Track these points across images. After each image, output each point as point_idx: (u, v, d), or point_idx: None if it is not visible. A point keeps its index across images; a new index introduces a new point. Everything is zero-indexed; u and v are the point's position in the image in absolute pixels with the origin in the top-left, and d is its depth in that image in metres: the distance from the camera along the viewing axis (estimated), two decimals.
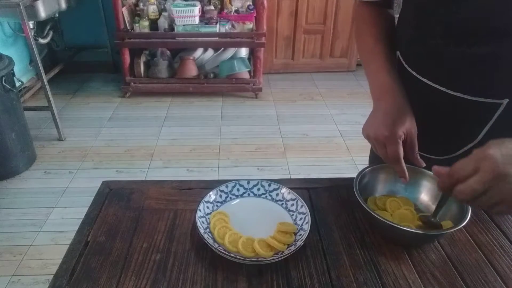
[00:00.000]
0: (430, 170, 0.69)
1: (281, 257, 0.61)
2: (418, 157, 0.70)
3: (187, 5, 2.90)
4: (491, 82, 0.68)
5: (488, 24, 0.63)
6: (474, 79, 0.69)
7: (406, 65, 0.80)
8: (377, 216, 0.64)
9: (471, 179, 0.51)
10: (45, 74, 2.54)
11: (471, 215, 0.63)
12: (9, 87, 2.08)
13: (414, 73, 0.77)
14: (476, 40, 0.65)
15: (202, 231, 0.64)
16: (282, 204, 0.74)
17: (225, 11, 3.08)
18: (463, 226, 0.62)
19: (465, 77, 0.69)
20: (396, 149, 0.66)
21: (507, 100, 0.67)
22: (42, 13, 2.58)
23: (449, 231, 0.64)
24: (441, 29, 0.68)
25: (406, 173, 0.68)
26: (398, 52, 0.83)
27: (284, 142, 2.65)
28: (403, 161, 0.67)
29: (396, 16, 0.85)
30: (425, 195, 0.73)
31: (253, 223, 0.70)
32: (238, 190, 0.76)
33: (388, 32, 0.82)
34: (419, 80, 0.76)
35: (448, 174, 0.55)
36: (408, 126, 0.68)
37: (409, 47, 0.79)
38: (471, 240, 0.68)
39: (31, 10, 2.46)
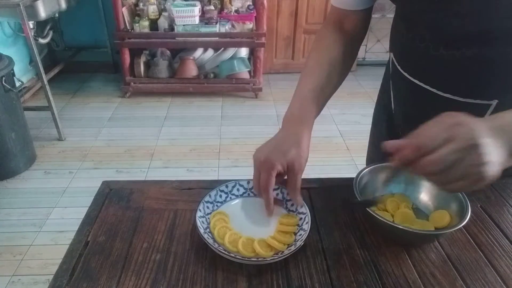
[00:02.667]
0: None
1: (281, 257, 0.61)
2: (299, 194, 0.67)
3: (187, 5, 2.90)
4: (480, 83, 0.68)
5: (474, 28, 0.63)
6: (463, 81, 0.69)
7: (398, 67, 0.81)
8: (377, 216, 0.64)
9: (443, 149, 0.46)
10: (45, 74, 2.54)
11: (471, 215, 0.63)
12: (9, 87, 2.08)
13: (406, 74, 0.78)
14: (463, 43, 0.65)
15: (202, 231, 0.64)
16: (282, 204, 0.74)
17: (225, 11, 3.08)
18: (463, 226, 0.62)
19: (454, 79, 0.70)
20: (266, 178, 0.65)
21: (496, 101, 0.68)
22: (42, 13, 2.58)
23: (449, 231, 0.64)
24: (429, 34, 0.69)
25: (271, 206, 0.67)
26: (391, 54, 0.85)
27: None
28: (271, 192, 0.66)
29: (391, 16, 0.85)
30: (425, 195, 0.73)
31: (253, 223, 0.70)
32: (238, 190, 0.76)
33: (334, 64, 0.79)
34: (411, 81, 0.77)
35: (416, 147, 0.49)
36: (291, 158, 0.65)
37: (401, 49, 0.80)
38: (471, 240, 0.68)
39: (31, 10, 2.46)
